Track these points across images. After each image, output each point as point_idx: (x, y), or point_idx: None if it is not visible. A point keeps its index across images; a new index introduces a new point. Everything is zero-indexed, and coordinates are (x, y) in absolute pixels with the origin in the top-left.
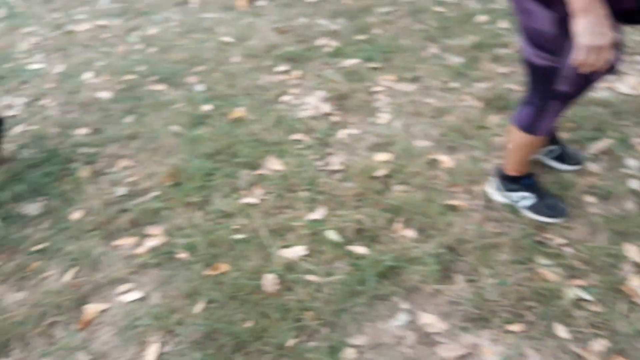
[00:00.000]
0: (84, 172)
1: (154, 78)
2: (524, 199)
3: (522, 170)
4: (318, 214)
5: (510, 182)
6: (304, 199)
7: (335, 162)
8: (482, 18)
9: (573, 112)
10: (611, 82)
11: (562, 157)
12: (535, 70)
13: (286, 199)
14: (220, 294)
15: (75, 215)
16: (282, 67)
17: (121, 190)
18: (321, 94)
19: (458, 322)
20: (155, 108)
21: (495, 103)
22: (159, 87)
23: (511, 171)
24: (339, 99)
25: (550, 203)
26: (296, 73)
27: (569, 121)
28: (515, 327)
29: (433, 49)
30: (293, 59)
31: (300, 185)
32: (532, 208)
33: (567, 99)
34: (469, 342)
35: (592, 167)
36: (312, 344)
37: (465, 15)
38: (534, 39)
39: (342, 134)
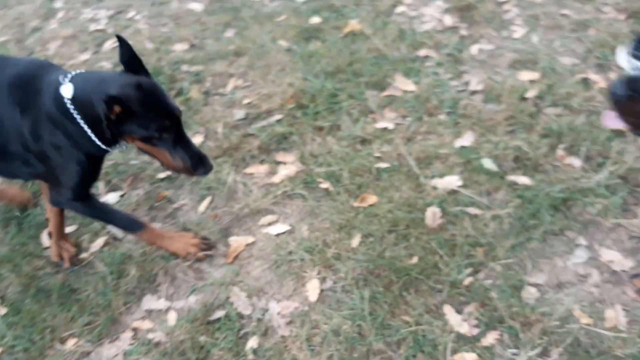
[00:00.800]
0: (194, 92)
1: None
2: None
3: None
4: (466, 140)
5: None
6: (447, 124)
7: (474, 81)
8: None
9: None
10: None
11: None
12: None
13: (426, 123)
14: (377, 228)
15: (197, 139)
16: None
17: (240, 113)
18: (440, 3)
19: None
20: (257, 20)
21: None
22: None
23: None
24: (463, 10)
25: None
26: None
27: None
28: None
29: None
30: None
31: (439, 107)
32: None
33: None
34: None
35: None
36: (488, 281)
37: None
38: None
39: (474, 49)
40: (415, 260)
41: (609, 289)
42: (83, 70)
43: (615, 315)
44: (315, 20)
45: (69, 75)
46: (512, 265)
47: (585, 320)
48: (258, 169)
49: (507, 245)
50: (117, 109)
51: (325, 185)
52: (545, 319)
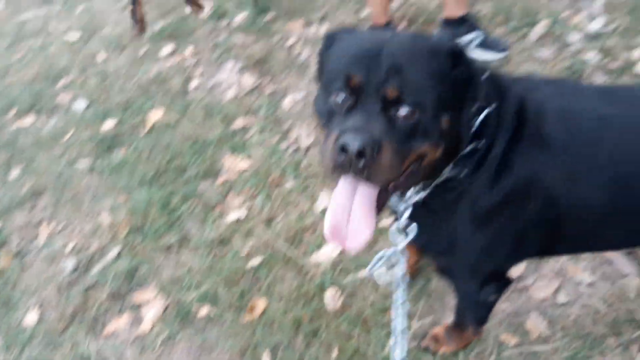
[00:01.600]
0: (3, 259)
1: (14, 111)
2: None
3: (382, 19)
4: (323, 200)
5: None
6: (297, 190)
7: (303, 136)
8: None
9: (497, 5)
10: None
11: (486, 44)
12: None
13: (277, 197)
14: (281, 336)
15: (31, 317)
16: (167, 49)
17: (69, 264)
18: (232, 64)
19: None
20: (40, 147)
21: None
22: (28, 119)
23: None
24: (258, 65)
25: None
26: (188, 51)
27: (497, 15)
28: None
29: None
30: (173, 35)
31: (283, 176)
32: None
33: None
34: None
35: (544, 52)
36: (413, 343)
37: None
38: None
39: (287, 102)
40: (335, 353)
41: (516, 298)
42: None
43: (535, 323)
44: (109, 124)
45: None
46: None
47: (513, 340)
48: (119, 323)
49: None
50: None
51: (203, 310)
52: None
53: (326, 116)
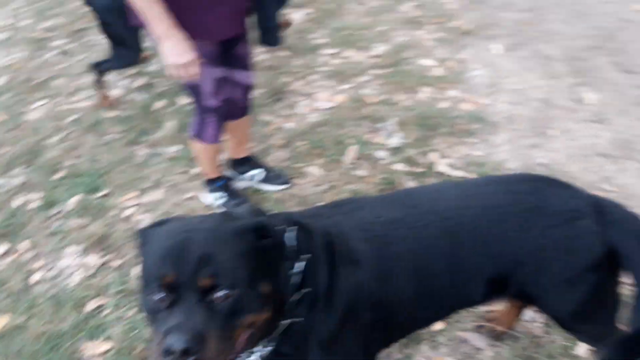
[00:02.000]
0: None
1: None
2: (220, 198)
3: (214, 174)
4: None
5: (209, 184)
6: None
7: None
8: (159, 104)
9: (311, 141)
10: (311, 105)
11: (266, 180)
12: (186, 88)
13: None
14: None
15: None
16: (1, 249)
17: None
18: (73, 248)
19: None
20: None
21: None
22: None
23: (206, 175)
24: (99, 243)
25: (238, 202)
26: (23, 246)
27: (314, 149)
28: None
29: (143, 150)
30: (4, 234)
31: (147, 348)
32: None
33: (218, 111)
34: None
35: (361, 171)
36: None
37: (143, 108)
38: None
39: (137, 272)
40: None
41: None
42: None
43: None
44: None
45: None
46: None
47: None
48: None
49: None
50: None
51: None
52: None
53: (151, 315)
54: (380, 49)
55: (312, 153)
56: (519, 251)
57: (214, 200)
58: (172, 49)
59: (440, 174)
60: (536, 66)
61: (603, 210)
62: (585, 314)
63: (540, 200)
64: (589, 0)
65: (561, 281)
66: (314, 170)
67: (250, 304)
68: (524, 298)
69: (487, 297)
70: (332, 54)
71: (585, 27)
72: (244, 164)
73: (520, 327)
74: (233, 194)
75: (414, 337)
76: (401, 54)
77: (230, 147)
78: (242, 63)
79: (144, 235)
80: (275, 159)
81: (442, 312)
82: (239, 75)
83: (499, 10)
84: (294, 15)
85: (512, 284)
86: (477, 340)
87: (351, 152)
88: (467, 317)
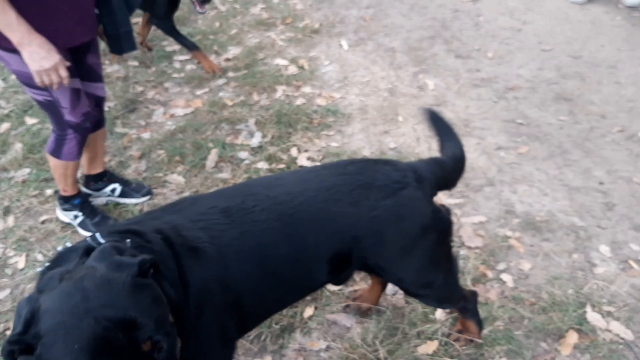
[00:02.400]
0: None
1: None
2: (77, 217)
3: (71, 191)
4: None
5: (65, 202)
6: None
7: None
8: (4, 127)
9: (169, 149)
10: (168, 113)
11: (125, 193)
12: (42, 105)
13: None
14: None
15: None
16: None
17: None
18: None
19: None
20: None
21: None
22: None
23: (63, 192)
24: None
25: (97, 221)
26: None
27: (173, 157)
28: None
29: None
30: None
31: None
32: (81, 225)
33: (78, 128)
34: None
35: (223, 174)
36: None
37: None
38: (23, 79)
39: None
40: None
41: None
42: None
43: None
44: None
45: None
46: None
47: None
48: None
49: None
50: None
51: None
52: None
53: None
54: (233, 52)
55: (172, 161)
56: (354, 227)
57: (72, 219)
58: (34, 55)
59: (303, 167)
60: (381, 58)
61: (421, 175)
62: (425, 278)
63: (368, 177)
64: None
65: (397, 249)
66: (176, 177)
67: (174, 339)
68: (368, 271)
69: (333, 275)
70: (185, 60)
71: (423, 19)
72: (100, 179)
73: (385, 301)
74: (91, 212)
75: (287, 327)
76: (255, 55)
77: (84, 162)
78: (94, 73)
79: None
80: (135, 170)
81: (292, 294)
82: (91, 87)
83: (342, 9)
84: None
85: (354, 259)
86: (346, 319)
87: (213, 156)
88: (335, 300)
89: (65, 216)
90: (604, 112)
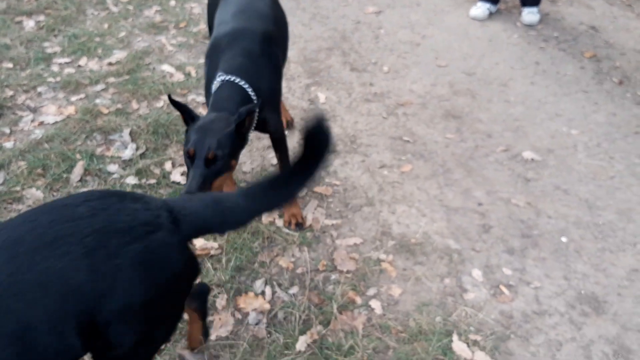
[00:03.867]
0: None
1: None
2: None
3: None
4: None
5: None
6: None
7: None
8: None
9: (30, 160)
10: (37, 120)
11: None
12: None
13: None
14: None
15: None
16: None
17: None
18: None
19: None
20: None
21: None
22: None
23: None
24: None
25: None
26: None
27: (35, 169)
28: None
29: None
30: None
31: None
32: None
33: None
34: None
35: (86, 188)
36: None
37: None
38: None
39: None
40: None
41: None
42: None
43: None
44: None
45: None
46: None
47: None
48: None
49: None
50: None
51: None
52: None
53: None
54: (118, 55)
55: (33, 173)
56: (93, 282)
57: None
58: None
59: (176, 183)
60: None
61: (177, 216)
62: (150, 335)
63: (107, 220)
64: (330, 4)
65: (139, 302)
66: (34, 192)
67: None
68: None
69: (94, 347)
70: (64, 63)
71: (323, 29)
72: None
73: (246, 331)
74: None
75: None
76: (140, 60)
77: None
78: None
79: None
80: None
81: None
82: None
83: None
84: (24, 23)
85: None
86: (192, 356)
87: (78, 169)
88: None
89: None
90: (491, 130)
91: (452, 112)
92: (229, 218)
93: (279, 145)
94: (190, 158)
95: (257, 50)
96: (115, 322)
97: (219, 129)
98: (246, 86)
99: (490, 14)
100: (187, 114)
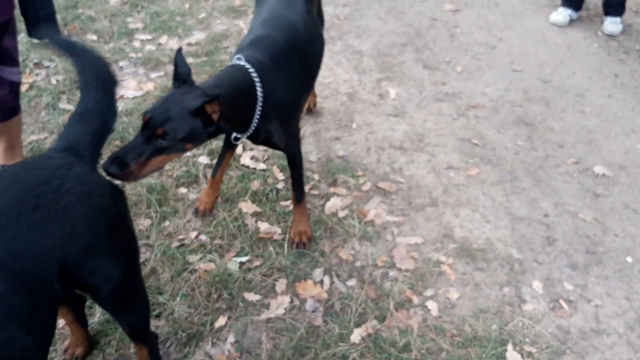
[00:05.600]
0: None
1: None
2: None
3: None
4: None
5: None
6: None
7: None
8: None
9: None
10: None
11: None
12: None
13: None
14: None
15: None
16: None
17: None
18: None
19: None
20: None
21: None
22: None
23: None
24: None
25: None
26: None
27: (117, 139)
28: None
29: None
30: None
31: None
32: None
33: None
34: None
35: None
36: None
37: None
38: None
39: None
40: None
41: None
42: None
43: None
44: None
45: None
46: None
47: None
48: None
49: None
50: None
51: None
52: None
53: None
54: (197, 36)
55: (112, 144)
56: (58, 232)
57: None
58: None
59: (246, 166)
60: (347, 61)
61: (75, 147)
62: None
63: (28, 182)
64: (407, 0)
65: (91, 236)
66: None
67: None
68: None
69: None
70: (146, 40)
71: (398, 25)
72: None
73: (303, 317)
74: None
75: (195, 335)
76: (219, 43)
77: (0, 153)
78: (10, 57)
79: None
80: None
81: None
82: (7, 72)
83: None
84: None
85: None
86: (258, 332)
87: None
88: (251, 311)
89: None
90: (563, 141)
91: (524, 119)
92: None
93: (292, 164)
94: (143, 123)
95: (278, 55)
96: (85, 262)
97: (185, 107)
98: (257, 80)
99: (571, 21)
100: (179, 71)
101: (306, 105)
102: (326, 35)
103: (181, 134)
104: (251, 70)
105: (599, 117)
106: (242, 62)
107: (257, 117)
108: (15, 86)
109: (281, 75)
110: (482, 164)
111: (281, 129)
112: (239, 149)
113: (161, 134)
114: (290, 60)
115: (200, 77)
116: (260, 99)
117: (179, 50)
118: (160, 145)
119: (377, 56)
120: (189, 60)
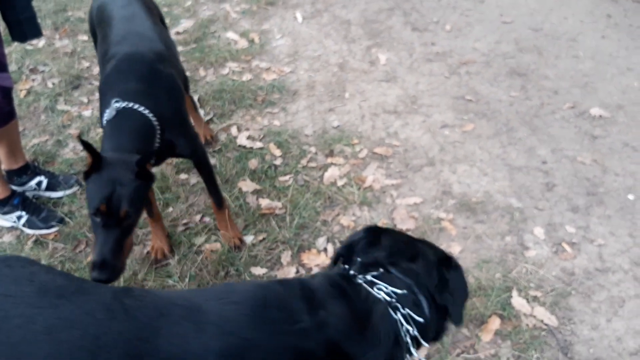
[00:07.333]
0: None
1: None
2: (20, 217)
3: (3, 192)
4: None
5: (2, 205)
6: None
7: None
8: None
9: None
10: None
11: (52, 186)
12: None
13: None
14: None
15: None
16: None
17: None
18: None
19: None
20: None
21: None
22: None
23: None
24: None
25: (44, 216)
26: None
27: None
28: None
29: None
30: None
31: None
32: (28, 224)
33: None
34: None
35: None
36: None
37: None
38: None
39: None
40: None
41: None
42: None
43: None
44: None
45: None
46: None
47: None
48: None
49: None
50: None
51: None
52: None
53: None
54: (185, 25)
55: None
56: None
57: (15, 221)
58: None
59: (242, 146)
60: (335, 32)
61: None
62: None
63: None
64: None
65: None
66: None
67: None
68: None
69: None
70: None
71: None
72: (23, 173)
73: None
74: (36, 208)
75: None
76: (206, 28)
77: (2, 158)
78: None
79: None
80: (72, 149)
81: None
82: None
83: None
84: None
85: None
86: None
87: None
88: None
89: (6, 220)
90: (558, 87)
91: (517, 70)
92: None
93: (200, 166)
94: (99, 216)
95: (151, 74)
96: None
97: (128, 180)
98: (146, 112)
99: None
100: (94, 157)
101: (203, 139)
102: (313, 8)
103: (139, 202)
104: (137, 107)
105: (594, 59)
106: (125, 104)
107: (158, 138)
108: (7, 91)
109: (160, 92)
110: (477, 119)
111: (179, 139)
112: (234, 131)
113: (124, 216)
114: (162, 72)
115: (190, 64)
116: (157, 126)
117: (79, 137)
118: (127, 224)
119: (364, 24)
120: (179, 48)
